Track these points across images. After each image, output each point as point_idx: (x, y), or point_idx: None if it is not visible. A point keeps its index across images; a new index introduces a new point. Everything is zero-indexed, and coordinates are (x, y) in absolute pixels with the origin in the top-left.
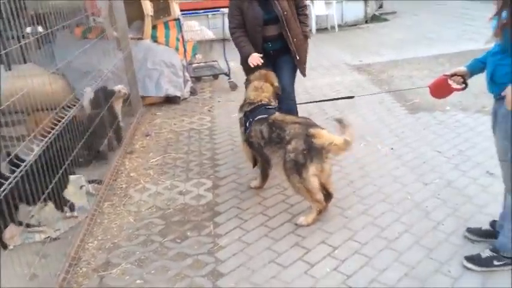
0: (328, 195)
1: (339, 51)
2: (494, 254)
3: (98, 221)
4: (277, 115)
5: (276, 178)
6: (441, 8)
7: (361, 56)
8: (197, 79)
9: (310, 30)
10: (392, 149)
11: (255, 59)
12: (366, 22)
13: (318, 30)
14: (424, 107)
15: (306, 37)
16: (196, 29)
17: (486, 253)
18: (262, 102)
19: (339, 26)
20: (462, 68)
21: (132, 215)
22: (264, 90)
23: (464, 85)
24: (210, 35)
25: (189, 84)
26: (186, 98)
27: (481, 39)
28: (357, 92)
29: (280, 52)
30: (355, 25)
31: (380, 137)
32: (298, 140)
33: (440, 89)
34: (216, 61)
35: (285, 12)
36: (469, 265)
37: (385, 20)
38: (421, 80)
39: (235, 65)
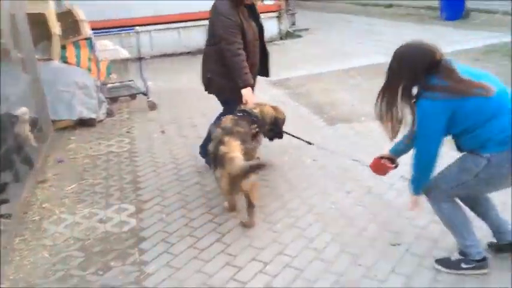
0: (249, 204)
1: None
2: (462, 257)
3: (9, 259)
4: (228, 116)
5: (202, 197)
6: (349, 25)
7: (279, 71)
8: (113, 100)
9: None
10: (314, 160)
11: (252, 96)
12: (281, 38)
13: None
14: (341, 118)
15: None
16: (110, 48)
17: (455, 256)
18: (246, 109)
19: None
20: (386, 154)
21: (47, 250)
22: (264, 107)
23: (394, 165)
24: (125, 54)
25: (105, 105)
26: (102, 120)
27: (387, 52)
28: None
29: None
30: (271, 41)
31: (302, 149)
32: (214, 142)
33: (379, 168)
34: (132, 80)
35: None
36: (439, 267)
37: (299, 36)
38: (337, 93)
39: (155, 83)
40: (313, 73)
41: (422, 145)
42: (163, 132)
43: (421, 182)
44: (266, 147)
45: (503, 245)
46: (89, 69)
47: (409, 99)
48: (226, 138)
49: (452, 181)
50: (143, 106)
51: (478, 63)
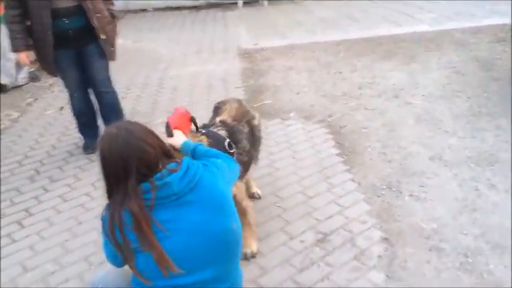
0: None
1: (245, 31)
2: None
3: None
4: None
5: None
6: None
7: (262, 38)
8: None
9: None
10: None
11: (23, 58)
12: None
13: (246, 3)
14: (267, 110)
15: (113, 16)
16: None
17: None
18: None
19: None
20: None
21: None
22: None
23: None
24: None
25: (27, 68)
26: (21, 86)
27: (404, 22)
28: (212, 85)
29: (82, 34)
30: None
31: None
32: None
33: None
34: None
35: None
36: None
37: None
38: (296, 74)
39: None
40: (299, 43)
41: None
42: (61, 108)
43: None
44: None
45: None
46: None
47: None
48: None
49: None
50: None
51: (500, 45)
